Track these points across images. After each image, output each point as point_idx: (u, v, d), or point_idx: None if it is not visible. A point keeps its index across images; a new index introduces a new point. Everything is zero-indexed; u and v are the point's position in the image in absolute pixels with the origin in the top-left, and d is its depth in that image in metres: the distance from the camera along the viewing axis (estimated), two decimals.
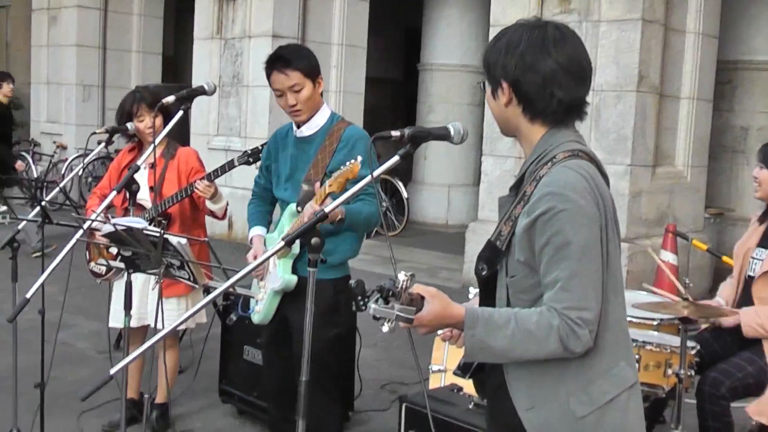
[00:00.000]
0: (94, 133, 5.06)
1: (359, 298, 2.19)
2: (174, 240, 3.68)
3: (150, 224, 4.23)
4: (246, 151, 4.55)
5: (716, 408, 4.22)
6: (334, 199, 3.59)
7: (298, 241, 2.61)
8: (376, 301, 2.16)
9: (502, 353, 2.23)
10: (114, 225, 3.76)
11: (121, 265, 4.04)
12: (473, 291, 4.50)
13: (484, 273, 2.37)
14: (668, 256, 7.98)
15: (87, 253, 5.33)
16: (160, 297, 3.88)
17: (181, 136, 9.21)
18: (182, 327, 5.16)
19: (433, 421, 2.60)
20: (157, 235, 3.67)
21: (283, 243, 2.55)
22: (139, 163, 4.17)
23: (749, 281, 4.58)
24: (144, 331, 5.08)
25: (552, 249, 2.18)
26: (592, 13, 8.43)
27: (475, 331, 2.21)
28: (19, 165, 10.18)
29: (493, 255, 2.34)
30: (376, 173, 2.61)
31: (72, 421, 5.18)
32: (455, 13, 13.76)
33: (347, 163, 3.39)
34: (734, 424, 4.32)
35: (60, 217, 4.42)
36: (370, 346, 6.07)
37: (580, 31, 8.31)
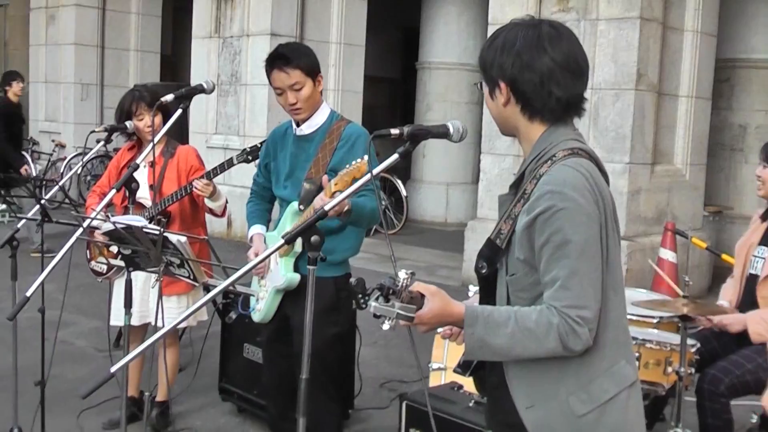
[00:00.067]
0: (93, 131, 5.05)
1: (360, 296, 2.19)
2: (174, 238, 3.68)
3: (150, 222, 4.23)
4: (245, 149, 4.55)
5: (716, 405, 4.23)
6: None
7: (300, 240, 2.61)
8: (377, 299, 2.17)
9: (501, 351, 2.23)
10: (114, 223, 3.76)
11: (121, 263, 4.04)
12: (473, 289, 4.51)
13: (484, 271, 2.37)
14: (667, 254, 7.99)
15: (87, 251, 5.34)
16: (160, 295, 3.89)
17: (179, 134, 9.20)
18: (183, 325, 5.16)
19: (434, 419, 2.60)
20: (157, 233, 3.67)
21: (283, 241, 2.55)
22: (138, 161, 4.17)
23: (751, 279, 4.58)
24: (144, 330, 5.09)
25: (552, 247, 2.18)
26: (591, 11, 8.44)
27: (475, 329, 2.22)
28: (25, 170, 10.15)
29: (493, 253, 2.35)
30: (375, 171, 2.61)
31: (72, 419, 5.18)
32: (453, 11, 13.77)
33: (353, 162, 3.39)
34: (734, 421, 4.33)
35: (59, 215, 4.42)
36: (369, 345, 6.07)
37: (579, 29, 8.32)
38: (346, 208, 3.60)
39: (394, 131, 2.50)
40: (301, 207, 3.92)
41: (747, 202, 10.60)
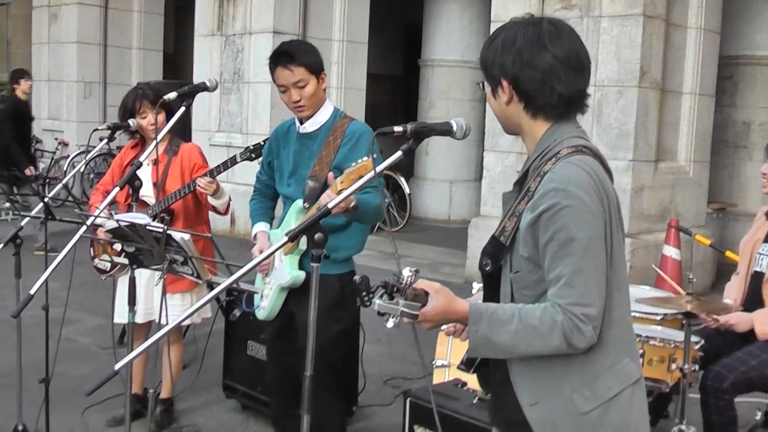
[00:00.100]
0: (96, 129, 5.07)
1: (364, 294, 2.19)
2: (177, 236, 3.69)
3: (153, 220, 4.24)
4: (248, 147, 4.55)
5: (720, 402, 4.22)
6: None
7: (304, 237, 2.61)
8: (381, 297, 2.17)
9: (505, 349, 2.23)
10: (117, 221, 3.77)
11: (125, 261, 4.05)
12: (476, 286, 4.51)
13: (488, 268, 2.37)
14: (671, 252, 7.98)
15: (91, 249, 5.35)
16: (163, 293, 3.89)
17: (182, 132, 9.22)
18: (187, 322, 5.17)
19: (438, 415, 2.60)
20: (160, 230, 3.67)
21: (286, 238, 2.55)
22: (141, 159, 4.17)
23: (756, 277, 4.58)
24: (148, 327, 5.10)
25: (556, 245, 2.18)
26: (593, 8, 8.43)
27: (479, 326, 2.22)
28: (29, 171, 10.16)
29: (497, 250, 2.35)
30: (379, 168, 2.61)
31: (76, 416, 5.18)
32: (456, 8, 13.76)
33: (359, 160, 3.38)
34: (738, 418, 4.32)
35: (63, 213, 4.43)
36: (373, 342, 6.07)
37: (582, 26, 8.31)
38: (352, 204, 3.60)
39: (398, 128, 2.50)
40: (306, 204, 3.92)
41: (751, 199, 10.59)
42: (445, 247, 11.52)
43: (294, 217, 4.00)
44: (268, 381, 4.53)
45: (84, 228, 3.81)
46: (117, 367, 2.56)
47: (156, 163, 4.94)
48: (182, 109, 4.02)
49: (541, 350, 2.21)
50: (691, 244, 7.94)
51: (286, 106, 4.12)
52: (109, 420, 5.17)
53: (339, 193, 3.45)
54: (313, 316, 2.56)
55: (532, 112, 2.35)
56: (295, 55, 3.96)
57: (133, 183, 4.11)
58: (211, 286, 4.94)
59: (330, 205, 2.66)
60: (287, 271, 4.00)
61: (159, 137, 4.41)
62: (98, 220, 4.04)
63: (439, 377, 4.53)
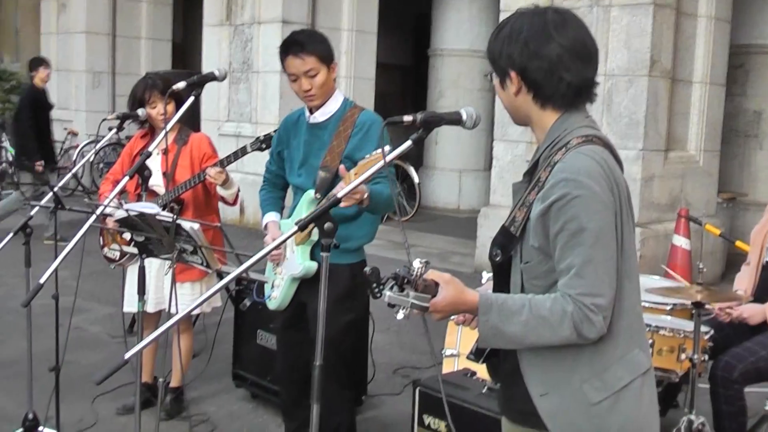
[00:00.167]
0: (105, 119, 5.08)
1: (374, 285, 2.19)
2: (186, 225, 3.69)
3: (163, 210, 4.24)
4: (258, 138, 4.55)
5: (729, 392, 4.22)
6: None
7: (317, 228, 2.61)
8: (391, 288, 2.17)
9: (515, 339, 2.23)
10: (126, 210, 3.77)
11: (135, 250, 4.05)
12: (486, 275, 4.51)
13: (498, 258, 2.37)
14: (681, 241, 7.97)
15: (100, 238, 5.36)
16: (173, 282, 3.90)
17: (191, 122, 9.22)
18: (197, 311, 5.18)
19: (447, 405, 2.60)
20: (170, 220, 3.68)
21: (296, 228, 2.55)
22: (150, 149, 4.17)
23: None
24: (158, 316, 5.11)
25: (566, 235, 2.18)
26: None
27: (489, 317, 2.22)
28: (39, 165, 10.16)
29: (507, 241, 2.34)
30: (389, 157, 2.60)
31: (87, 404, 5.21)
32: None
33: (372, 153, 3.38)
34: (747, 407, 4.32)
35: (72, 203, 4.43)
36: (383, 331, 6.07)
37: (592, 16, 8.28)
38: (366, 195, 3.60)
39: (407, 118, 2.49)
40: (317, 195, 3.92)
41: (761, 189, 10.56)
42: (454, 237, 11.52)
43: (305, 207, 4.00)
44: (277, 371, 4.54)
45: (93, 217, 3.82)
46: (127, 355, 2.57)
47: (165, 152, 4.94)
48: (191, 98, 4.02)
49: (551, 341, 2.20)
50: (701, 234, 7.91)
51: (295, 95, 4.11)
52: (119, 408, 5.19)
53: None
54: (323, 305, 2.56)
55: (540, 103, 2.34)
56: (306, 44, 3.95)
57: (142, 172, 4.12)
58: (220, 276, 4.96)
59: (339, 195, 2.66)
60: (299, 261, 4.00)
61: (168, 127, 4.42)
62: (108, 210, 4.04)
63: (448, 367, 4.53)
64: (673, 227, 8.17)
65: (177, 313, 3.31)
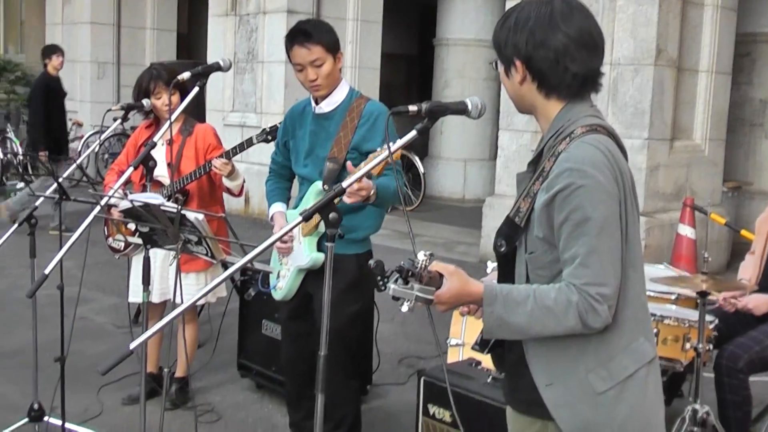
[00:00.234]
0: (110, 110, 5.07)
1: (379, 278, 2.19)
2: (191, 215, 3.69)
3: (168, 200, 4.24)
4: (264, 129, 4.55)
5: (734, 381, 4.22)
6: (370, 178, 3.59)
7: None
8: (396, 281, 2.17)
9: (520, 330, 2.23)
10: (131, 201, 3.77)
11: (139, 240, 4.05)
12: (491, 265, 4.50)
13: (502, 249, 2.37)
14: (686, 230, 7.95)
15: (105, 228, 5.36)
16: (177, 272, 3.90)
17: (196, 112, 9.22)
18: (201, 302, 5.18)
19: (452, 394, 2.60)
20: (174, 211, 3.68)
21: (300, 218, 2.55)
22: (155, 139, 4.17)
23: None
24: (164, 307, 5.12)
25: (571, 225, 2.17)
26: None
27: (494, 308, 2.22)
28: (42, 154, 10.17)
29: (511, 231, 2.34)
30: (394, 147, 2.60)
31: (92, 394, 5.22)
32: None
33: (381, 148, 3.38)
34: (752, 397, 4.32)
35: (77, 193, 4.44)
36: (388, 321, 6.08)
37: (598, 5, 8.25)
38: (372, 192, 3.59)
39: (412, 108, 2.48)
40: (326, 187, 3.91)
41: (767, 178, 10.53)
42: (459, 227, 11.51)
43: (313, 198, 4.00)
44: (282, 361, 4.54)
45: (98, 208, 3.82)
46: (132, 346, 2.57)
47: (170, 143, 4.94)
48: (196, 89, 4.02)
49: (556, 331, 2.20)
50: (707, 223, 7.91)
51: (301, 85, 4.11)
52: (124, 398, 5.21)
53: (359, 181, 3.45)
54: (328, 295, 2.55)
55: (545, 92, 2.33)
56: (312, 34, 3.94)
57: (147, 163, 4.11)
58: (225, 266, 4.96)
59: (344, 184, 2.65)
60: (306, 253, 4.00)
61: (173, 117, 4.41)
62: (112, 200, 4.04)
63: (453, 356, 4.53)
64: (679, 216, 8.14)
65: (182, 303, 3.31)
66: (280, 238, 2.67)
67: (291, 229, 2.68)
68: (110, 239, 5.31)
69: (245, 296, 5.46)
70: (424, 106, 2.48)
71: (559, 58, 2.26)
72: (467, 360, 4.23)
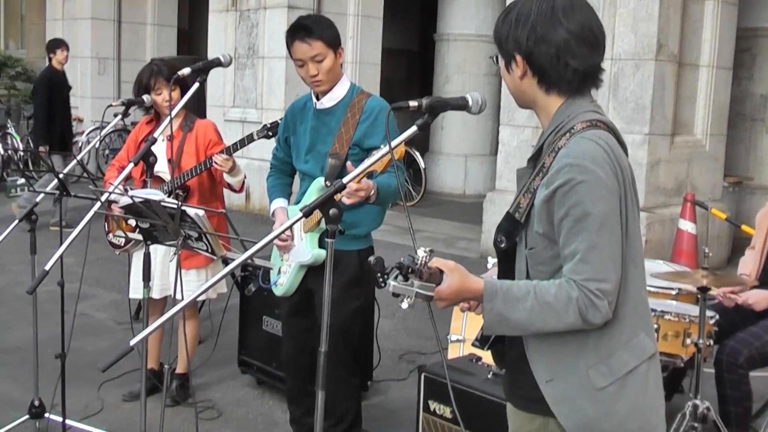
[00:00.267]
0: (111, 105, 5.06)
1: (379, 275, 2.19)
2: (192, 211, 3.68)
3: (169, 196, 4.24)
4: (265, 125, 4.54)
5: (734, 377, 4.22)
6: (372, 177, 3.59)
7: None
8: (396, 278, 2.16)
9: (521, 326, 2.23)
10: (131, 197, 3.77)
11: (140, 236, 4.05)
12: (491, 260, 4.50)
13: (502, 245, 2.36)
14: (687, 225, 7.95)
15: (105, 224, 5.36)
16: (178, 268, 3.90)
17: (197, 108, 9.21)
18: (202, 298, 5.18)
19: (452, 390, 2.60)
20: (175, 206, 3.67)
21: (300, 214, 2.55)
22: (156, 135, 4.17)
23: None
24: (164, 303, 5.11)
25: (571, 221, 2.17)
26: None
27: (494, 304, 2.21)
28: (42, 150, 10.17)
29: (511, 227, 2.33)
30: (394, 143, 2.60)
31: (93, 391, 5.22)
32: None
33: (382, 146, 3.37)
34: (753, 392, 4.32)
35: (78, 189, 4.44)
36: (388, 317, 6.08)
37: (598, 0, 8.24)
38: (372, 192, 3.59)
39: (413, 103, 2.48)
40: (328, 183, 3.91)
41: (767, 173, 10.52)
42: (460, 222, 11.50)
43: (314, 194, 3.99)
44: (283, 357, 4.54)
45: (99, 204, 3.82)
46: (133, 342, 2.57)
47: (171, 139, 4.93)
48: (196, 84, 4.01)
49: (557, 327, 2.20)
50: (707, 218, 7.90)
51: (301, 81, 4.10)
52: (125, 395, 5.21)
53: (358, 181, 3.45)
54: (329, 292, 2.55)
55: (545, 87, 2.33)
56: (313, 29, 3.94)
57: (147, 159, 4.11)
58: (225, 262, 4.95)
59: (345, 180, 2.65)
60: (308, 249, 4.00)
61: (173, 113, 4.40)
62: (113, 196, 4.04)
63: (454, 352, 4.53)
64: (679, 211, 8.14)
65: (182, 299, 3.31)
66: (280, 234, 2.67)
67: (291, 225, 2.68)
68: (111, 235, 5.30)
69: (245, 292, 5.46)
70: (425, 101, 2.47)
71: (559, 54, 2.26)
72: (468, 356, 4.23)
